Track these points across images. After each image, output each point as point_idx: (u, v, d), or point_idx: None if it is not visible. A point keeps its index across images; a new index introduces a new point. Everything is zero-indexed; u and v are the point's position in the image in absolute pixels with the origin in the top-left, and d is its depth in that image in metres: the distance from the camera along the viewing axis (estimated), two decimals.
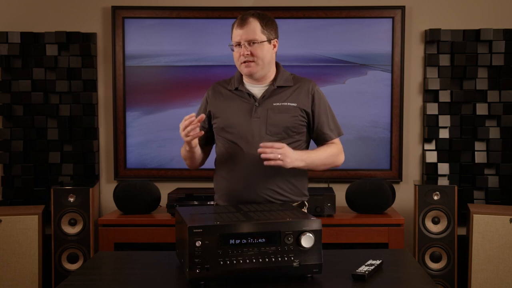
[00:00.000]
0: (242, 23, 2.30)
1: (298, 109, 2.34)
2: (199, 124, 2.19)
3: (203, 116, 2.21)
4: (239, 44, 2.31)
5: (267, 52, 2.33)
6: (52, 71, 3.74)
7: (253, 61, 2.29)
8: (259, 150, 2.19)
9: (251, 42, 2.29)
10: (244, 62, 2.30)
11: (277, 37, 2.38)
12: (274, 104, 2.33)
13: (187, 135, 2.21)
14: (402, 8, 3.70)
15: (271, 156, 2.17)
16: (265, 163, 2.18)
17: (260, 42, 2.29)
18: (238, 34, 2.30)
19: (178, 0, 3.76)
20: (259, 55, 2.30)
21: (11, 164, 3.75)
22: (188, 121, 2.18)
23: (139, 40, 3.76)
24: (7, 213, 3.37)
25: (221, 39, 3.72)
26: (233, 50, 2.35)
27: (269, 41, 2.33)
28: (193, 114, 2.19)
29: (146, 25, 3.76)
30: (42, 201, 3.72)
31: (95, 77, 3.78)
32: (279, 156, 2.18)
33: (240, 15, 2.35)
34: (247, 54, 2.29)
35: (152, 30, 3.76)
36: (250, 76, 2.34)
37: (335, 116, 2.46)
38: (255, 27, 2.29)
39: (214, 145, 2.49)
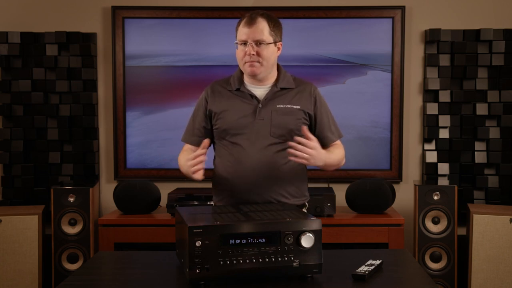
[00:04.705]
0: (251, 22, 2.25)
1: (302, 111, 2.32)
2: (205, 155, 2.16)
3: (207, 142, 2.19)
4: (244, 43, 2.26)
5: (272, 54, 2.29)
6: (52, 71, 3.74)
7: (258, 62, 2.25)
8: (291, 143, 2.12)
9: (258, 42, 2.24)
10: (249, 61, 2.26)
11: (281, 40, 2.35)
12: (277, 106, 2.30)
13: (193, 172, 2.16)
14: (402, 8, 3.70)
15: (298, 154, 2.12)
16: (290, 157, 2.14)
17: (267, 44, 2.25)
18: (245, 32, 2.25)
19: (178, 0, 3.76)
20: (264, 56, 2.25)
21: (11, 164, 3.75)
22: (195, 158, 2.15)
23: (139, 40, 3.76)
24: (7, 213, 3.37)
25: (221, 39, 3.72)
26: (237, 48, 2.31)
27: (274, 43, 2.29)
28: (200, 152, 2.16)
29: (146, 25, 3.76)
30: (42, 201, 3.72)
31: (95, 77, 3.78)
32: (305, 155, 2.13)
33: (247, 13, 2.29)
34: (253, 54, 2.24)
35: (152, 30, 3.76)
36: (253, 76, 2.30)
37: (334, 118, 2.45)
38: (263, 27, 2.25)
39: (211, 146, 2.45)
